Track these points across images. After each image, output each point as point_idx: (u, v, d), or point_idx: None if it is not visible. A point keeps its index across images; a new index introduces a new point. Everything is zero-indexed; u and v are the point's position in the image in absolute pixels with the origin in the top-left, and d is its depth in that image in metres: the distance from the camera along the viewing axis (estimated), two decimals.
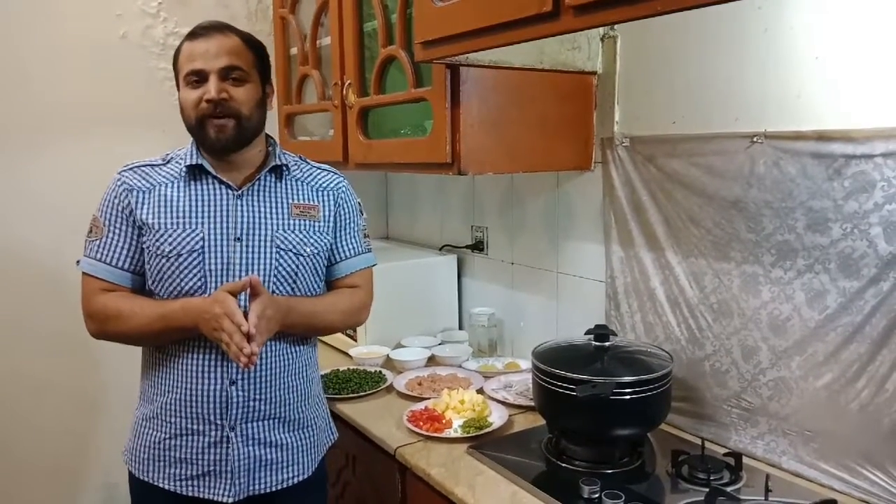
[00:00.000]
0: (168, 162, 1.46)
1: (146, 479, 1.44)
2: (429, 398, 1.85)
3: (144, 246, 1.40)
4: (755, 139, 1.45)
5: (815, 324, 1.39)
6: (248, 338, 1.28)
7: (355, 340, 2.29)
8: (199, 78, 1.37)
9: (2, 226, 2.22)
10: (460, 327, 2.44)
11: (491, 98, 1.69)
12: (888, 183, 1.26)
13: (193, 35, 1.41)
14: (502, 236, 2.26)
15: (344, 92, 2.08)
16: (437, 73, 1.67)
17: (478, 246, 2.37)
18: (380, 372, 2.09)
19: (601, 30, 1.76)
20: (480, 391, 1.90)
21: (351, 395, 1.92)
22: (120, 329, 1.39)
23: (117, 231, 1.41)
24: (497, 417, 1.72)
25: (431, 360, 2.18)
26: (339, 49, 2.10)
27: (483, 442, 1.61)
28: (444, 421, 1.70)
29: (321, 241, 1.49)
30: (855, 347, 1.33)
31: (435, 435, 1.64)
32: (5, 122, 2.20)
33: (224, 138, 1.39)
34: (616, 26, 1.73)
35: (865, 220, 1.29)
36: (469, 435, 1.63)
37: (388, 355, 2.18)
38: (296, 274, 1.45)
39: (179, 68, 1.41)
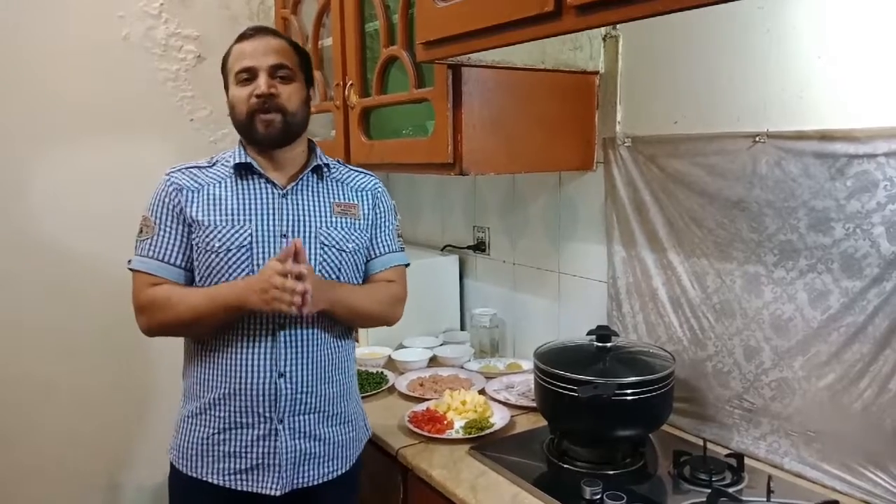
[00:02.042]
0: (214, 164, 1.51)
1: (194, 474, 1.46)
2: (430, 399, 1.85)
3: (194, 242, 1.44)
4: (757, 139, 1.45)
5: (817, 324, 1.39)
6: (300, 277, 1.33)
7: (357, 341, 2.29)
8: (249, 75, 1.43)
9: (4, 226, 2.23)
10: (462, 328, 2.44)
11: (493, 98, 1.69)
12: (891, 182, 1.25)
13: (243, 37, 1.47)
14: (504, 237, 2.26)
15: (346, 92, 2.08)
16: (439, 73, 1.67)
17: (479, 246, 2.37)
18: (381, 373, 2.09)
19: (603, 29, 1.76)
20: (482, 392, 1.89)
21: None
22: (168, 316, 1.41)
23: (169, 229, 1.45)
24: (499, 418, 1.72)
25: (433, 361, 2.18)
26: (341, 49, 2.10)
27: (485, 443, 1.61)
28: (445, 422, 1.70)
29: (361, 238, 1.52)
30: (857, 347, 1.33)
31: (436, 436, 1.64)
32: (6, 122, 2.20)
33: (273, 132, 1.43)
34: (618, 26, 1.73)
35: (868, 219, 1.29)
36: (471, 436, 1.63)
37: (389, 356, 2.18)
38: (339, 269, 1.48)
39: (229, 69, 1.46)
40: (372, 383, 2.00)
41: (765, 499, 1.31)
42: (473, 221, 2.40)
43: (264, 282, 1.33)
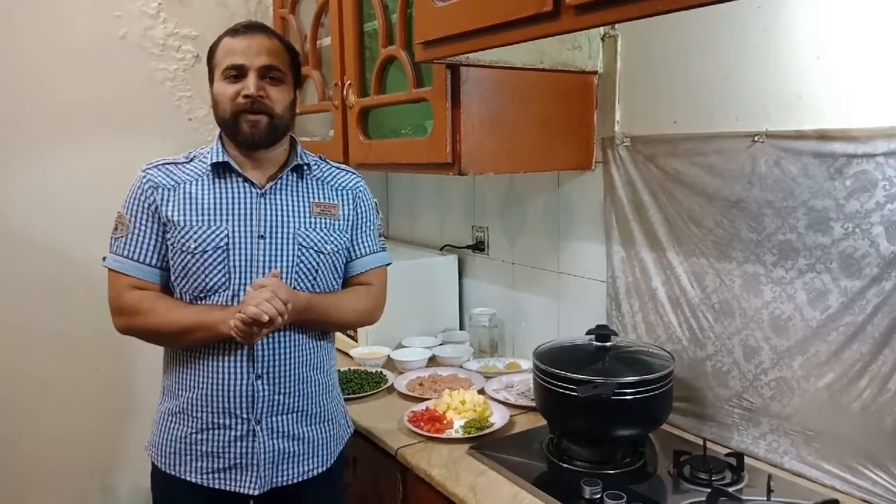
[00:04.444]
0: (191, 160, 1.48)
1: (172, 472, 1.46)
2: (430, 399, 1.85)
3: (169, 243, 1.42)
4: (756, 138, 1.45)
5: (816, 323, 1.39)
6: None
7: (356, 341, 2.29)
8: (238, 73, 1.40)
9: (3, 227, 2.22)
10: (461, 327, 2.44)
11: (491, 98, 1.69)
12: (889, 182, 1.25)
13: (234, 32, 1.43)
14: (503, 236, 2.26)
15: (344, 92, 2.08)
16: (438, 73, 1.66)
17: (478, 246, 2.37)
18: (381, 372, 2.09)
19: (601, 29, 1.75)
20: (481, 392, 1.89)
21: (352, 396, 1.91)
22: (152, 323, 1.41)
23: (143, 228, 1.43)
24: (498, 418, 1.71)
25: (432, 361, 2.18)
26: (340, 49, 2.10)
27: (484, 442, 1.61)
28: (445, 421, 1.70)
29: (341, 239, 1.51)
30: (857, 347, 1.33)
31: (436, 435, 1.64)
32: (5, 122, 2.20)
33: (257, 133, 1.41)
34: (616, 25, 1.73)
35: (867, 219, 1.29)
36: (470, 435, 1.63)
37: (388, 356, 2.18)
38: (316, 271, 1.47)
39: (217, 62, 1.43)
40: (371, 383, 2.00)
41: (765, 498, 1.31)
42: (472, 221, 2.40)
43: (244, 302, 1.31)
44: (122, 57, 2.34)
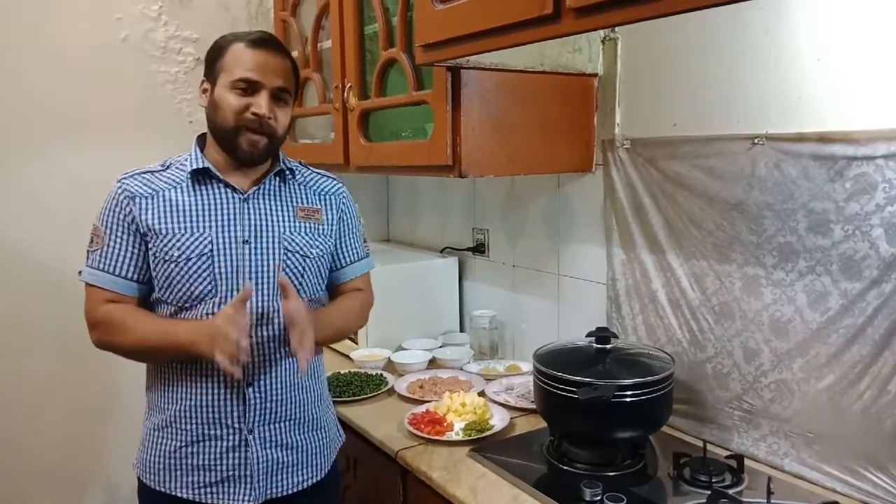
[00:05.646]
0: (168, 168, 1.45)
1: (162, 489, 1.42)
2: (430, 401, 1.85)
3: (150, 252, 1.38)
4: (756, 141, 1.45)
5: (816, 325, 1.39)
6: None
7: (356, 343, 2.29)
8: (249, 87, 1.36)
9: (2, 229, 2.23)
10: (461, 330, 2.44)
11: (492, 100, 1.69)
12: (889, 184, 1.26)
13: (252, 42, 1.37)
14: (503, 238, 2.26)
15: (345, 95, 2.08)
16: (438, 75, 1.67)
17: (479, 248, 2.37)
18: (381, 375, 2.09)
19: (602, 32, 1.76)
20: (482, 394, 1.89)
21: (352, 398, 1.91)
22: (121, 340, 1.38)
23: (119, 240, 1.39)
24: (498, 420, 1.71)
25: (432, 363, 2.18)
26: (340, 52, 2.10)
27: (484, 445, 1.61)
28: (445, 424, 1.70)
29: (326, 243, 1.50)
30: (857, 349, 1.33)
31: (436, 438, 1.64)
32: (6, 124, 2.20)
33: (255, 152, 1.39)
34: (617, 28, 1.73)
35: (867, 221, 1.29)
36: (470, 438, 1.63)
37: (389, 358, 2.18)
38: (302, 275, 1.45)
39: (226, 67, 1.37)
40: (371, 385, 2.00)
41: (765, 500, 1.31)
42: (473, 223, 2.40)
43: (220, 335, 1.26)
44: (122, 59, 2.34)
